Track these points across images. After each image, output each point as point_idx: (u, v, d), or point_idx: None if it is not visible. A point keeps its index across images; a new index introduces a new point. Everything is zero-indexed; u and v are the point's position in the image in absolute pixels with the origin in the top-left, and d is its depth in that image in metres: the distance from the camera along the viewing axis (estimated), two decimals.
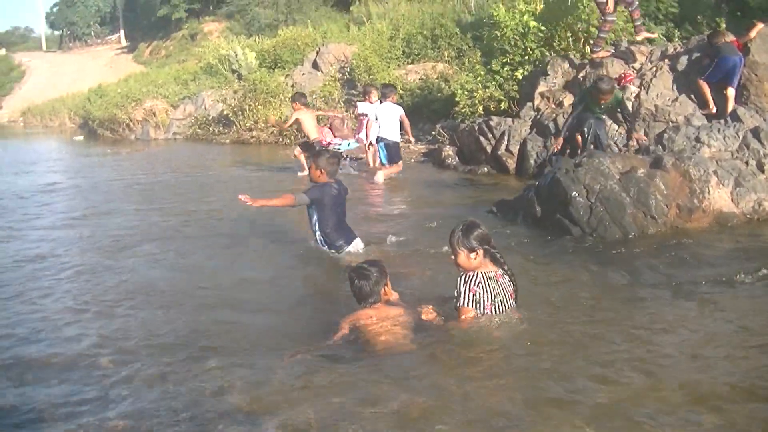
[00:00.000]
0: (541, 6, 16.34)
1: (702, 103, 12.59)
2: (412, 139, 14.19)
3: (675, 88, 13.06)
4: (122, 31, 78.93)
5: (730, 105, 12.19)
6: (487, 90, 16.20)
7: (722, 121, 11.78)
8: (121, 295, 7.07)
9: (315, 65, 25.70)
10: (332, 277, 7.56)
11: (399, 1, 29.56)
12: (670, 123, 12.44)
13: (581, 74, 14.45)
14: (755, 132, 10.64)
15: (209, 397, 4.65)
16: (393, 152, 14.33)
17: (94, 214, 11.83)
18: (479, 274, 5.29)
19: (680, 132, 11.53)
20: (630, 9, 14.00)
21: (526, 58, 16.17)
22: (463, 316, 5.31)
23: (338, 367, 5.02)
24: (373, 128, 14.66)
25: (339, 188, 8.11)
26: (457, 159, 15.66)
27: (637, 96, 13.11)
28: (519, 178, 13.58)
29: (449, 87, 18.82)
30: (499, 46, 16.69)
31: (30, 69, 72.30)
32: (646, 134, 12.58)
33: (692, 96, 12.80)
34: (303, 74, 25.66)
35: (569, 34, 15.93)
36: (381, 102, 14.73)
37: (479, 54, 19.08)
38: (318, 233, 8.05)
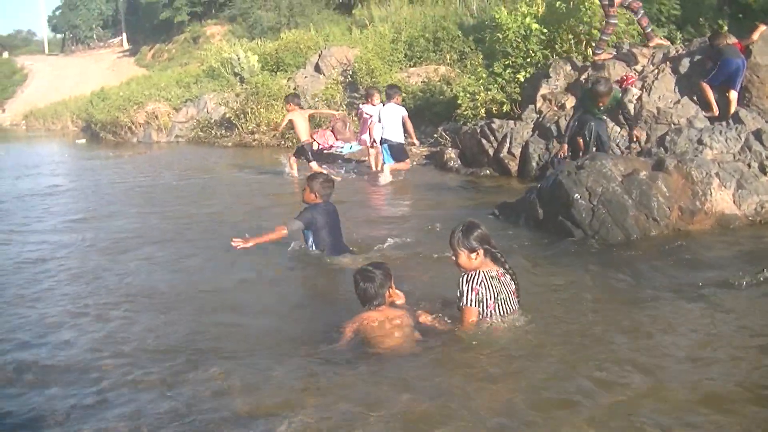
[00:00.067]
0: (543, 8, 16.33)
1: (704, 106, 12.58)
2: (416, 142, 14.19)
3: (677, 90, 13.05)
4: (124, 35, 78.92)
5: (733, 107, 12.18)
6: (489, 92, 16.20)
7: (724, 123, 11.78)
8: (122, 298, 7.07)
9: (317, 68, 25.70)
10: (332, 279, 7.56)
11: (401, 4, 29.56)
12: (672, 125, 12.43)
13: (583, 76, 14.44)
14: (757, 134, 10.64)
15: (211, 400, 4.65)
16: (397, 152, 14.34)
17: (96, 216, 11.85)
18: (481, 273, 5.30)
19: (682, 134, 11.52)
20: (637, 17, 14.00)
21: (528, 60, 16.16)
22: (466, 316, 5.32)
23: (341, 370, 5.01)
24: (376, 129, 14.66)
25: (329, 207, 8.12)
26: (459, 161, 15.65)
27: (639, 98, 13.11)
28: (521, 180, 13.58)
29: (451, 90, 18.81)
30: (501, 48, 16.68)
31: (32, 72, 72.34)
32: (648, 136, 12.58)
33: (694, 98, 12.79)
34: (305, 77, 25.64)
35: (571, 37, 15.92)
36: (384, 104, 14.74)
37: (481, 56, 19.09)
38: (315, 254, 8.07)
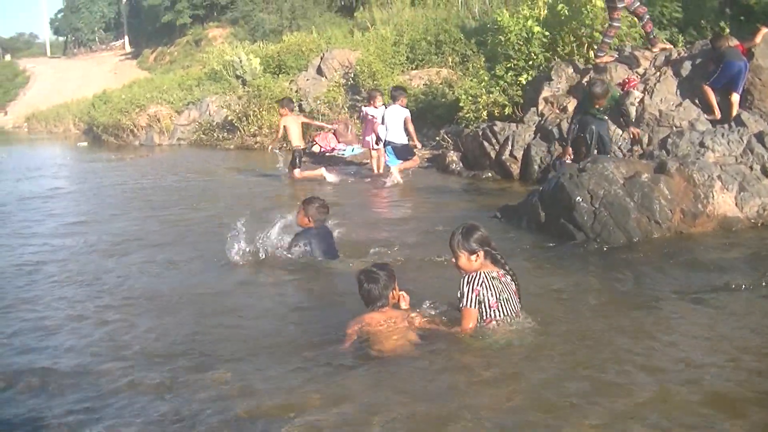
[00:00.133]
0: (545, 11, 16.33)
1: (706, 108, 12.58)
2: (418, 144, 14.19)
3: (679, 93, 13.05)
4: (126, 37, 79.00)
5: (734, 110, 12.18)
6: (491, 95, 16.20)
7: (726, 125, 11.77)
8: (123, 301, 7.06)
9: (319, 71, 25.71)
10: (333, 281, 7.55)
11: (403, 7, 29.58)
12: (674, 128, 12.43)
13: (585, 79, 14.42)
14: (759, 136, 10.63)
15: (213, 403, 4.63)
16: (402, 152, 14.36)
17: (97, 219, 11.86)
18: (482, 274, 5.31)
19: (684, 137, 11.51)
20: (641, 22, 14.02)
21: (530, 63, 16.16)
22: (466, 318, 5.32)
23: (343, 373, 5.00)
24: (380, 131, 14.70)
25: (321, 231, 8.13)
26: (461, 164, 15.66)
27: (641, 101, 13.11)
28: (523, 183, 13.58)
29: (453, 92, 18.80)
30: (503, 51, 16.69)
31: (34, 75, 72.45)
32: (650, 139, 12.58)
33: (696, 101, 12.79)
34: (307, 80, 25.67)
35: (573, 39, 15.92)
36: (387, 106, 14.76)
37: (483, 59, 19.08)
38: None
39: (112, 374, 5.16)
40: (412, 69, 23.42)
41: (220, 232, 8.50)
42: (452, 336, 5.33)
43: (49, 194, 15.16)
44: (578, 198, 8.75)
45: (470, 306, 5.29)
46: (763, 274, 6.80)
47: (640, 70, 13.90)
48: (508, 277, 5.49)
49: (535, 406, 4.41)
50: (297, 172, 15.13)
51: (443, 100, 19.37)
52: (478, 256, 5.37)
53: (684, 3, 16.70)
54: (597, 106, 11.32)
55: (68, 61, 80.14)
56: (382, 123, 14.42)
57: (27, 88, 68.59)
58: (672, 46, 14.63)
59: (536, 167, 13.65)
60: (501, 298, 5.33)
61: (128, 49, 77.09)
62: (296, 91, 25.15)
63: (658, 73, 13.43)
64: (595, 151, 11.39)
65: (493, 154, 14.64)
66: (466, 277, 5.36)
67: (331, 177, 14.98)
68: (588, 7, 15.16)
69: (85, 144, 33.16)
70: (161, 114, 30.31)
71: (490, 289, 5.30)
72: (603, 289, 6.93)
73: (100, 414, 4.58)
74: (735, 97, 12.19)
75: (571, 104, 14.03)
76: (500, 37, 16.70)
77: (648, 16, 13.96)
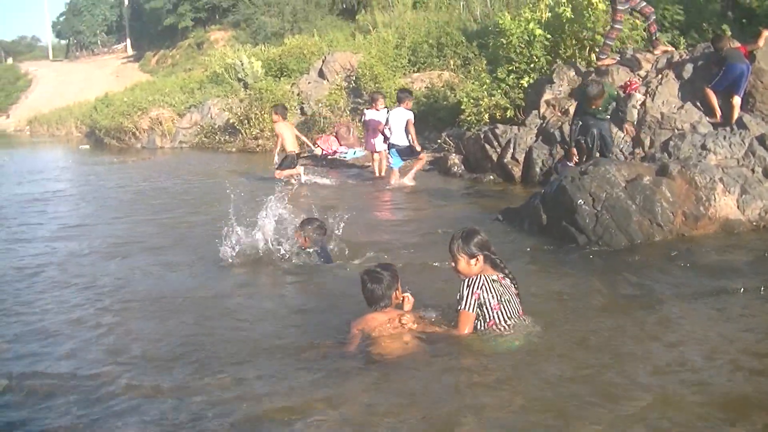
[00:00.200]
0: (547, 14, 16.34)
1: (708, 111, 12.56)
2: (418, 147, 14.18)
3: (680, 95, 13.04)
4: (129, 40, 79.04)
5: (736, 113, 12.16)
6: (492, 98, 16.21)
7: (728, 128, 11.76)
8: (124, 305, 7.06)
9: (321, 74, 25.73)
10: (332, 283, 7.55)
11: (404, 10, 29.59)
12: (676, 130, 12.42)
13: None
14: (761, 139, 10.62)
15: (213, 408, 4.63)
16: (406, 154, 14.35)
17: (98, 222, 11.88)
18: (482, 277, 5.32)
19: (686, 139, 11.52)
20: (647, 22, 14.02)
21: (532, 66, 16.17)
22: (462, 320, 5.34)
23: (347, 375, 5.00)
24: (379, 135, 14.75)
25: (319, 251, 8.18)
26: (462, 167, 15.67)
27: (643, 104, 13.09)
28: (525, 186, 13.58)
29: (455, 95, 18.82)
30: (505, 54, 16.70)
31: (36, 78, 72.48)
32: (651, 142, 12.57)
33: (698, 103, 12.77)
34: (309, 83, 25.68)
35: (575, 42, 15.93)
36: (389, 109, 14.77)
37: (485, 62, 19.09)
38: None
39: (112, 378, 5.16)
40: (413, 72, 23.43)
41: (221, 235, 8.50)
42: (454, 338, 5.32)
43: (51, 197, 15.18)
44: (580, 201, 8.75)
45: (468, 309, 5.30)
46: (765, 276, 6.80)
47: (642, 73, 13.89)
48: (508, 280, 5.50)
49: (539, 408, 4.42)
50: (277, 172, 15.13)
51: (445, 103, 19.38)
52: (477, 260, 5.39)
53: (685, 6, 16.71)
54: (594, 106, 11.34)
55: (70, 64, 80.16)
56: (386, 124, 14.42)
57: (29, 92, 68.62)
58: (674, 49, 14.63)
59: (538, 170, 13.65)
60: (503, 300, 5.34)
61: (130, 52, 77.12)
62: (298, 94, 25.18)
63: (660, 76, 13.42)
64: (597, 154, 11.41)
65: (494, 157, 14.64)
66: (467, 280, 5.38)
67: (305, 178, 15.04)
68: (589, 9, 15.17)
69: (87, 147, 33.19)
70: (163, 117, 30.34)
71: (491, 292, 5.31)
72: (605, 291, 6.91)
73: (99, 417, 4.58)
74: (737, 100, 12.17)
75: (573, 107, 14.00)
76: (502, 39, 16.71)
77: (654, 17, 13.97)
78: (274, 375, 5.09)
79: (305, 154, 19.02)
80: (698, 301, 6.40)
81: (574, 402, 4.47)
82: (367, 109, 16.60)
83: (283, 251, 8.26)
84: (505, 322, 5.33)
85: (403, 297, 5.78)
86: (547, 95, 14.81)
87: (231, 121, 25.72)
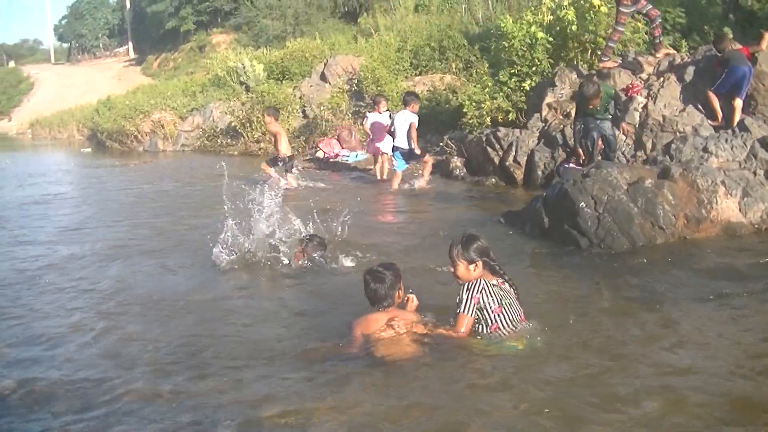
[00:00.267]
0: (549, 17, 16.35)
1: (710, 114, 12.56)
2: (418, 151, 14.15)
3: (682, 98, 13.04)
4: (130, 44, 79.15)
5: (737, 115, 12.15)
6: (494, 101, 16.21)
7: (730, 131, 11.76)
8: (123, 308, 7.05)
9: (323, 77, 25.72)
10: (332, 286, 7.55)
11: (406, 13, 29.56)
12: (678, 133, 12.42)
13: None
14: (763, 142, 10.62)
15: (213, 412, 4.62)
16: (410, 156, 14.34)
17: (98, 225, 11.86)
18: (482, 281, 5.36)
19: (688, 142, 11.52)
20: (652, 25, 14.03)
21: (534, 69, 16.18)
22: (460, 323, 5.37)
23: (349, 380, 5.00)
24: (386, 137, 14.77)
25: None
26: (464, 170, 15.67)
27: (645, 106, 13.10)
28: (526, 189, 13.58)
29: (457, 98, 18.81)
30: (507, 57, 16.70)
31: (38, 81, 72.59)
32: (653, 145, 12.58)
33: (699, 106, 12.78)
34: (311, 86, 25.68)
35: (577, 45, 15.94)
36: (391, 112, 14.78)
37: (487, 65, 19.06)
38: None
39: (111, 381, 5.16)
40: (415, 75, 23.41)
41: (218, 239, 8.52)
42: (456, 341, 5.33)
43: (52, 200, 15.18)
44: (582, 203, 8.76)
45: (466, 312, 5.34)
46: (767, 279, 6.79)
47: (644, 76, 13.90)
48: (507, 285, 5.52)
49: (544, 411, 4.41)
50: (267, 168, 15.07)
51: (447, 106, 19.36)
52: (476, 266, 5.43)
53: (687, 9, 16.72)
54: (592, 106, 11.35)
55: (72, 67, 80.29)
56: (391, 127, 14.43)
57: (31, 95, 68.75)
58: (675, 52, 14.63)
59: (540, 173, 13.66)
60: (503, 303, 5.36)
61: (132, 55, 77.25)
62: (300, 97, 25.17)
63: (662, 79, 13.42)
64: (599, 157, 11.42)
65: (496, 160, 14.65)
66: (466, 284, 5.41)
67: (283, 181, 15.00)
68: (591, 12, 15.19)
69: (89, 150, 33.20)
70: (165, 120, 30.33)
71: (491, 296, 5.33)
72: (607, 294, 6.92)
73: (99, 421, 4.58)
74: (738, 103, 12.16)
75: (574, 109, 14.05)
76: (504, 42, 16.72)
77: (660, 20, 13.98)
78: (275, 378, 5.09)
79: (306, 157, 19.00)
80: (700, 304, 6.39)
81: (578, 404, 4.47)
82: (369, 111, 16.60)
83: (281, 253, 8.28)
84: (508, 325, 5.34)
85: (407, 297, 5.80)
86: (549, 98, 14.81)
87: (233, 124, 25.72)
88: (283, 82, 27.14)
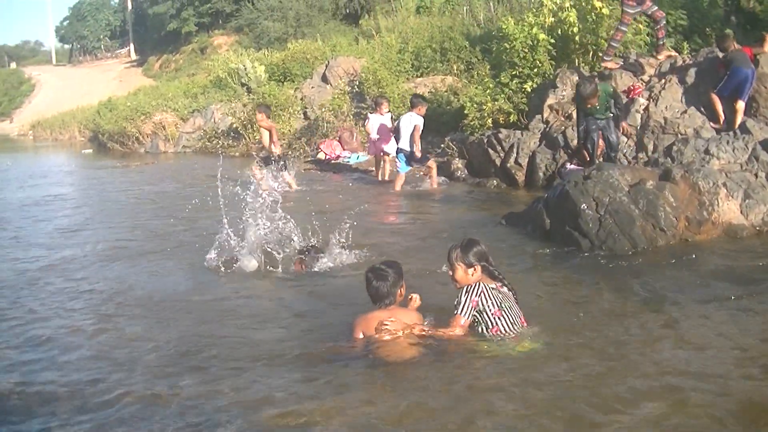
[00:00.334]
0: (550, 19, 16.34)
1: (712, 116, 12.55)
2: (418, 153, 14.11)
3: (684, 100, 13.03)
4: (132, 45, 79.26)
5: (739, 117, 12.14)
6: (496, 103, 16.18)
7: (731, 133, 11.75)
8: (122, 310, 7.05)
9: (324, 78, 25.72)
10: (332, 287, 7.55)
11: (408, 15, 29.55)
12: (679, 135, 12.42)
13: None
14: (764, 144, 10.61)
15: (212, 414, 4.60)
16: (413, 159, 14.33)
17: (98, 227, 11.89)
18: (480, 284, 5.39)
19: (689, 144, 11.51)
20: (657, 27, 14.01)
21: (535, 70, 16.16)
22: (454, 323, 5.39)
23: (350, 382, 4.99)
24: (391, 139, 14.78)
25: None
26: (466, 171, 15.67)
27: (646, 108, 13.10)
28: (528, 190, 13.58)
29: (458, 100, 18.79)
30: (508, 58, 16.68)
31: (40, 82, 72.73)
32: (655, 146, 12.57)
33: (701, 108, 12.77)
34: (312, 87, 25.69)
35: (578, 47, 15.93)
36: (392, 113, 14.79)
37: (488, 67, 19.06)
38: None
39: (111, 384, 5.15)
40: (417, 77, 23.39)
41: (217, 241, 8.52)
42: (458, 342, 5.32)
43: (52, 201, 15.19)
44: (583, 205, 8.75)
45: (463, 314, 5.38)
46: None
47: (645, 78, 13.89)
48: (506, 288, 5.54)
49: (546, 413, 4.40)
50: (258, 173, 14.99)
51: (448, 107, 19.34)
52: (475, 270, 5.48)
53: (689, 11, 16.70)
54: (590, 105, 11.35)
55: (73, 68, 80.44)
56: (397, 128, 14.44)
57: (32, 96, 68.87)
58: (677, 54, 14.63)
59: (541, 174, 13.65)
60: (503, 306, 5.37)
61: (133, 56, 77.33)
62: (301, 99, 25.18)
63: (663, 81, 13.42)
64: (601, 159, 11.42)
65: (498, 162, 14.64)
66: (465, 287, 5.44)
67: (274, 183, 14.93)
68: (593, 14, 15.19)
69: (90, 151, 33.24)
70: (166, 121, 30.36)
71: (490, 299, 5.35)
72: (609, 295, 6.91)
73: (98, 424, 4.56)
74: (740, 105, 12.15)
75: (576, 111, 14.04)
76: (505, 44, 16.70)
77: (664, 22, 13.98)
78: (275, 379, 5.08)
79: (309, 158, 18.99)
80: (701, 305, 6.38)
81: (579, 405, 4.46)
82: (371, 113, 16.58)
83: (279, 254, 8.29)
84: (509, 328, 5.35)
85: (411, 296, 5.81)
86: (551, 100, 14.81)
87: (234, 125, 25.75)
88: (285, 83, 27.17)
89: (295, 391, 4.86)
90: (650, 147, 12.62)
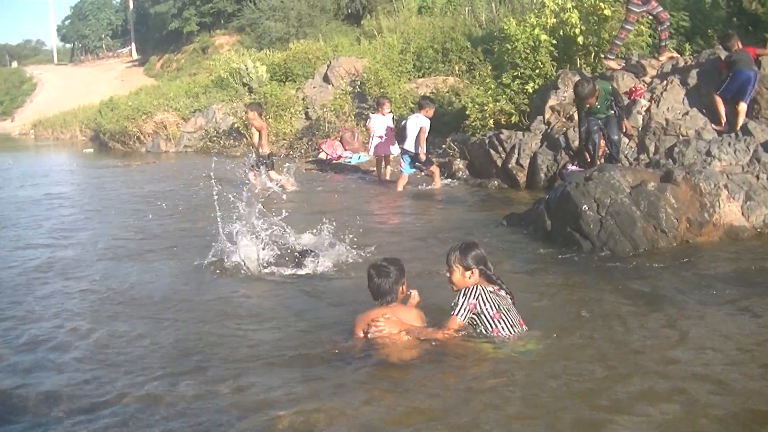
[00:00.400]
0: (552, 20, 16.33)
1: (714, 118, 12.53)
2: (422, 156, 14.10)
3: (686, 101, 13.01)
4: (133, 44, 79.34)
5: (741, 119, 12.13)
6: (497, 103, 16.17)
7: (733, 134, 11.73)
8: (122, 310, 7.04)
9: (326, 78, 25.73)
10: (332, 287, 7.55)
11: (410, 15, 29.57)
12: (681, 137, 12.41)
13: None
14: (766, 146, 10.61)
15: (212, 416, 4.59)
16: (417, 161, 14.33)
17: (98, 227, 11.89)
18: (478, 288, 5.37)
19: (691, 146, 11.50)
20: (661, 28, 13.99)
21: (537, 71, 16.15)
22: (450, 323, 5.38)
23: (351, 383, 4.97)
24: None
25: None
26: (467, 172, 15.67)
27: (648, 110, 13.08)
28: (529, 191, 13.57)
29: (460, 101, 18.79)
30: (510, 59, 16.67)
31: (41, 82, 72.78)
32: (656, 148, 12.57)
33: (703, 110, 12.75)
34: (314, 87, 25.70)
35: (580, 48, 15.92)
36: (393, 114, 14.79)
37: (490, 67, 19.06)
38: None
39: (110, 385, 5.13)
40: (418, 77, 23.40)
41: (222, 239, 8.52)
42: (459, 344, 5.31)
43: (53, 200, 15.18)
44: (584, 207, 8.75)
45: (458, 316, 5.36)
46: None
47: (647, 79, 13.88)
48: (503, 292, 5.53)
49: (547, 414, 4.40)
50: (251, 176, 14.94)
51: (450, 108, 19.33)
52: (472, 273, 5.48)
53: (691, 12, 16.69)
54: (588, 105, 11.33)
55: (75, 68, 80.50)
56: (403, 129, 14.46)
57: (34, 95, 68.92)
58: (679, 55, 14.61)
59: (543, 175, 13.65)
60: (501, 308, 5.36)
61: (135, 56, 77.42)
62: (303, 99, 25.19)
63: (665, 82, 13.41)
64: (602, 160, 11.41)
65: (499, 163, 14.63)
66: (463, 289, 5.43)
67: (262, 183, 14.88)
68: (595, 15, 15.18)
69: (92, 151, 33.25)
70: (168, 121, 30.37)
71: (488, 302, 5.34)
72: (610, 297, 6.89)
73: (97, 425, 4.55)
74: (742, 107, 12.13)
75: (577, 112, 14.04)
76: (507, 45, 16.69)
77: (668, 23, 13.96)
78: (275, 380, 5.07)
79: (310, 158, 18.98)
80: (703, 307, 6.37)
81: (581, 407, 4.45)
82: (372, 113, 16.57)
83: (277, 254, 8.30)
84: (509, 329, 5.33)
85: (410, 293, 5.81)
86: (552, 101, 14.80)
87: (235, 125, 25.75)
88: (286, 83, 27.18)
89: (294, 392, 4.85)
90: (652, 148, 12.62)
